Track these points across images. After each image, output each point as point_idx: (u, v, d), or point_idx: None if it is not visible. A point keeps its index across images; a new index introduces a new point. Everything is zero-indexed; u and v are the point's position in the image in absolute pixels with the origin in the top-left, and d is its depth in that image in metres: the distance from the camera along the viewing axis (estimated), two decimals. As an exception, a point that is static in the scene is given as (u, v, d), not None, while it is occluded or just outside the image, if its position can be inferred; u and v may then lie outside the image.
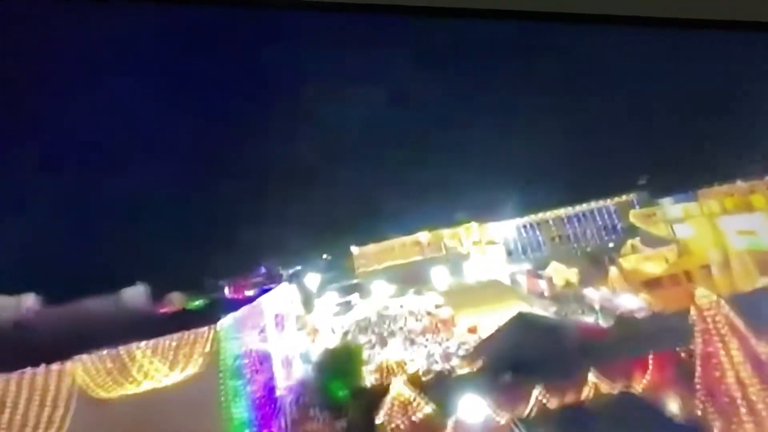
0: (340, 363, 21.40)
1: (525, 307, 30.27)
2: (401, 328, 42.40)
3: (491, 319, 30.27)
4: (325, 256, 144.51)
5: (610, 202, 51.78)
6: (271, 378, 21.65)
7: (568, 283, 42.04)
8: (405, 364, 23.06)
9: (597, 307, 29.38)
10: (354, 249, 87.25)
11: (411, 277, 71.93)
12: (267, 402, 20.48)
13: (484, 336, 30.33)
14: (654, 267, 41.12)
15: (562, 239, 53.13)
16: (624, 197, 51.36)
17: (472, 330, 31.73)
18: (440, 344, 31.76)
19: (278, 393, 22.25)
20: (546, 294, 37.84)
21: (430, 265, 68.28)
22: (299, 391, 24.87)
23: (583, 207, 52.73)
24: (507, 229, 55.41)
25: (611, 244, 51.26)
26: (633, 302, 27.09)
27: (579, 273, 42.86)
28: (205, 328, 18.07)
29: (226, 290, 48.33)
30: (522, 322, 20.57)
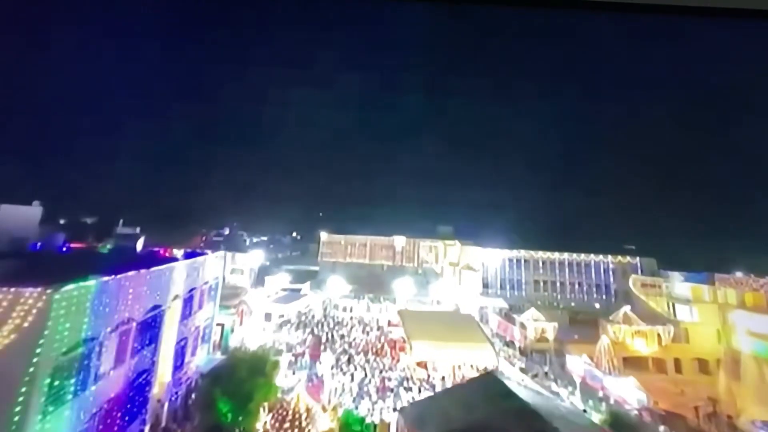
0: (241, 377, 14.38)
1: (490, 355, 23.81)
2: (343, 337, 35.49)
3: (446, 358, 23.78)
4: (294, 234, 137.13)
5: (610, 259, 46.42)
6: (144, 375, 14.42)
7: (542, 338, 35.99)
8: (324, 409, 16.09)
9: (577, 381, 23.14)
10: (323, 234, 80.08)
11: (373, 282, 65.41)
12: (115, 410, 13.23)
13: (435, 377, 23.77)
14: (643, 345, 35.58)
15: (546, 285, 47.47)
16: (627, 259, 46.07)
17: (422, 365, 25.08)
18: (380, 371, 24.97)
19: (150, 394, 15.09)
20: (516, 343, 31.56)
21: (397, 275, 62.00)
22: (182, 394, 17.72)
23: (580, 257, 47.20)
24: (490, 258, 49.35)
25: (597, 305, 45.77)
26: (631, 392, 20.92)
27: (556, 329, 36.91)
28: (34, 290, 10.75)
29: (139, 243, 39.19)
30: (493, 389, 13.87)
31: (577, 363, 23.54)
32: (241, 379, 14.24)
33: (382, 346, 31.42)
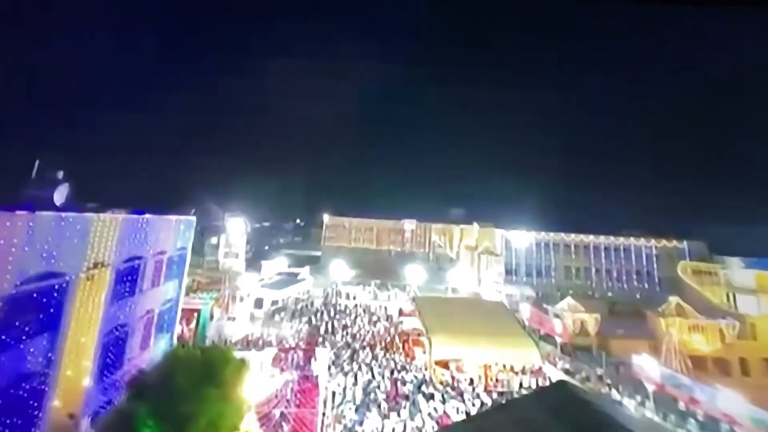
0: (180, 388, 9.05)
1: (531, 353, 18.32)
2: (345, 327, 30.24)
3: (475, 356, 18.34)
4: (298, 220, 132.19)
5: (653, 243, 40.42)
6: (32, 379, 9.21)
7: (582, 331, 30.42)
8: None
9: (649, 388, 17.43)
10: (326, 217, 74.83)
11: (380, 269, 60.16)
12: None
13: (462, 380, 18.37)
14: (702, 342, 29.88)
15: (579, 272, 41.77)
16: (674, 243, 40.04)
17: (442, 364, 19.66)
18: (391, 371, 19.63)
19: (47, 404, 10.02)
20: (557, 339, 25.91)
21: (407, 261, 56.61)
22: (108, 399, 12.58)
23: (618, 241, 41.28)
24: (513, 240, 43.63)
25: (638, 295, 39.92)
26: (739, 407, 15.03)
27: (599, 322, 31.30)
28: None
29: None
30: (569, 401, 8.48)
31: (650, 365, 17.90)
32: (179, 392, 9.01)
33: (392, 340, 26.09)
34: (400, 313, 31.62)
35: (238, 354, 12.02)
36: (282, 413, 15.10)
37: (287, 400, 15.88)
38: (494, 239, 45.97)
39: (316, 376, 17.12)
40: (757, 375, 29.22)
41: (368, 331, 29.16)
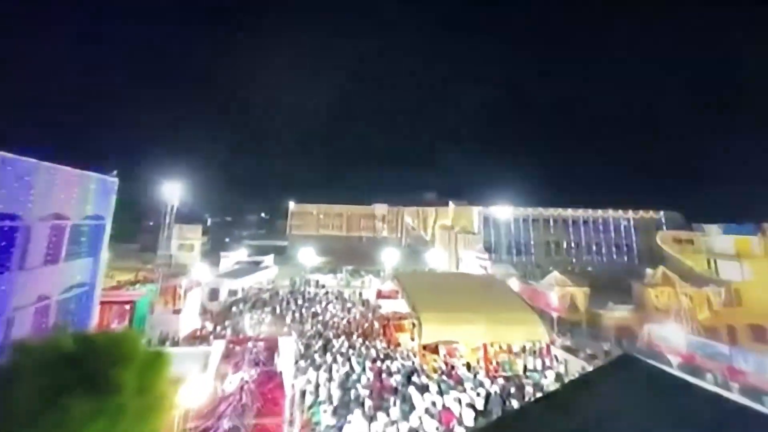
0: (27, 399, 5.35)
1: (536, 328, 15.65)
2: (316, 315, 26.53)
3: (473, 336, 15.39)
4: (263, 214, 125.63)
5: (631, 215, 39.66)
6: None
7: (572, 306, 28.63)
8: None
9: (674, 361, 15.15)
10: (292, 204, 70.01)
11: (352, 255, 56.64)
12: None
13: (458, 365, 15.37)
14: (679, 308, 28.97)
15: (559, 247, 40.40)
16: (650, 213, 39.44)
17: (430, 349, 16.58)
18: (373, 360, 16.31)
19: None
20: (554, 314, 23.66)
21: (380, 247, 53.46)
22: None
23: (596, 213, 40.19)
24: (491, 218, 41.51)
25: (618, 268, 39.06)
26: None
27: (587, 295, 29.69)
28: None
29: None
30: (634, 376, 5.60)
31: (674, 334, 15.67)
32: (21, 412, 5.23)
33: (371, 325, 22.78)
34: (379, 295, 28.34)
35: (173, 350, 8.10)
36: (234, 426, 11.35)
37: (242, 406, 12.13)
38: (471, 217, 43.69)
39: (281, 373, 13.41)
40: (745, 341, 28.63)
41: (342, 318, 25.63)
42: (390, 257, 46.66)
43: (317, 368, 15.36)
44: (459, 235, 44.16)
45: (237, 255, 54.40)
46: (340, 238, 66.04)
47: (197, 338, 21.33)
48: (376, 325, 23.14)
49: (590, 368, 15.63)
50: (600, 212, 40.17)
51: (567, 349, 19.49)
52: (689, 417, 5.11)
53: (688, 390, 5.57)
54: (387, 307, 26.38)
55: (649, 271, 38.49)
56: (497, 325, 15.50)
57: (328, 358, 16.50)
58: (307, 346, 18.57)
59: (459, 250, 43.26)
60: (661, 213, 39.19)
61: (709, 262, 32.81)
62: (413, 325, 21.53)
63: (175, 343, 20.01)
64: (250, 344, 14.72)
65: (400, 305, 25.77)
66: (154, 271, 47.29)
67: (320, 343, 19.55)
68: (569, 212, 40.49)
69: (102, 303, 21.63)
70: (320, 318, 25.72)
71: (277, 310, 28.55)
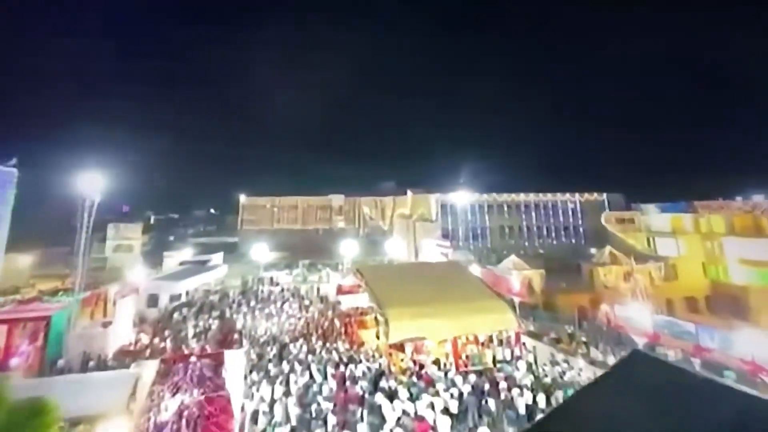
0: None
1: (506, 317, 15.16)
2: (270, 317, 24.48)
3: (442, 331, 14.55)
4: (212, 210, 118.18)
5: (577, 198, 41.45)
6: None
7: (529, 288, 29.11)
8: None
9: (639, 342, 15.09)
10: (243, 198, 65.75)
11: (308, 249, 54.34)
12: None
13: (427, 364, 14.50)
14: (636, 287, 30.70)
15: (512, 231, 41.31)
16: (594, 196, 41.45)
17: (397, 347, 15.56)
18: (336, 365, 14.95)
19: None
20: (516, 298, 23.62)
21: (337, 239, 51.71)
22: None
23: (546, 197, 41.55)
24: (448, 205, 41.41)
25: (566, 250, 40.73)
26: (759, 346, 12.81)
27: (544, 277, 30.42)
28: None
29: None
30: (648, 377, 4.88)
31: (639, 313, 15.69)
32: None
33: (332, 325, 21.31)
34: (339, 290, 26.86)
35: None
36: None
37: (182, 437, 10.28)
38: (429, 205, 43.33)
39: (228, 393, 11.62)
40: (681, 313, 30.89)
41: (299, 318, 23.86)
42: (348, 249, 45.13)
43: (272, 381, 13.69)
44: (418, 224, 43.71)
45: (182, 255, 50.11)
46: (296, 231, 63.29)
47: (130, 355, 18.56)
48: (337, 323, 21.72)
49: (559, 355, 15.51)
50: (549, 196, 41.65)
51: (531, 334, 19.40)
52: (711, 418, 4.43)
53: (708, 388, 4.92)
54: (347, 302, 25.00)
55: (590, 251, 40.87)
56: (467, 315, 14.77)
57: (285, 366, 14.86)
58: (260, 356, 16.72)
59: (418, 238, 42.84)
60: (604, 195, 41.47)
61: (648, 240, 35.07)
62: (377, 320, 20.42)
63: (103, 364, 17.18)
64: (192, 360, 12.71)
65: (360, 300, 24.55)
66: (82, 276, 42.10)
67: (275, 349, 17.79)
68: (521, 197, 41.52)
69: (7, 321, 18.22)
70: (275, 320, 23.75)
71: (227, 314, 26.09)
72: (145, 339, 21.52)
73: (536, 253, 40.61)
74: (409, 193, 47.63)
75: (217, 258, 43.56)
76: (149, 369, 12.27)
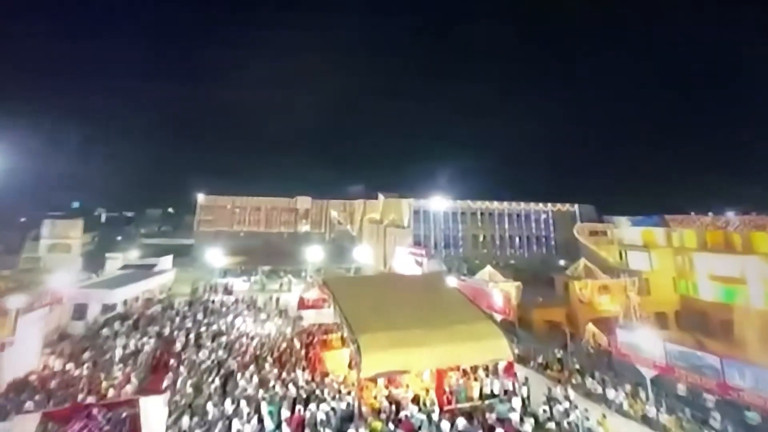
0: None
1: (498, 344, 12.98)
2: (218, 335, 21.04)
3: (425, 361, 12.12)
4: (170, 209, 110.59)
5: (549, 207, 40.85)
6: None
7: (511, 304, 27.49)
8: None
9: (647, 374, 12.97)
10: (201, 197, 60.51)
11: (270, 254, 50.44)
12: None
13: (405, 402, 12.07)
14: (611, 302, 29.96)
15: (486, 240, 40.03)
16: (566, 206, 41.06)
17: (392, 381, 13.07)
18: (292, 402, 12.16)
19: None
20: (497, 315, 21.64)
21: (302, 244, 48.32)
22: None
23: (519, 206, 40.66)
24: (421, 210, 39.52)
25: (537, 261, 39.95)
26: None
27: (521, 291, 28.97)
28: None
29: None
30: None
31: (649, 339, 13.53)
32: None
33: (290, 346, 18.34)
34: (301, 304, 23.85)
35: None
36: None
37: None
38: (401, 210, 41.21)
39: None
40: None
41: (252, 338, 20.67)
42: (313, 254, 42.04)
43: (207, 427, 10.67)
44: (389, 230, 41.42)
45: (129, 256, 44.80)
46: (258, 234, 58.98)
47: (30, 387, 14.67)
48: (297, 344, 18.78)
49: (557, 388, 13.53)
50: (523, 205, 40.83)
51: (517, 359, 17.43)
52: None
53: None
54: (310, 318, 22.12)
55: (560, 262, 40.37)
56: (454, 342, 12.45)
57: (228, 406, 11.84)
58: (198, 388, 13.53)
59: (389, 245, 40.53)
60: (576, 206, 41.26)
61: (620, 254, 34.79)
62: (343, 339, 17.73)
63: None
64: (94, 413, 9.47)
65: (325, 315, 21.73)
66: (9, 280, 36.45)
67: (219, 377, 14.61)
68: (495, 205, 40.39)
69: None
70: (223, 339, 20.39)
71: (167, 330, 22.32)
72: (57, 364, 17.52)
73: (507, 264, 39.50)
74: (380, 196, 45.29)
75: (165, 262, 38.93)
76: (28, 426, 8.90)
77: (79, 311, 25.47)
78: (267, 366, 16.26)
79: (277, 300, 29.76)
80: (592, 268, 31.27)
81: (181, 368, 15.98)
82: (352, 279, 18.72)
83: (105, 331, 22.65)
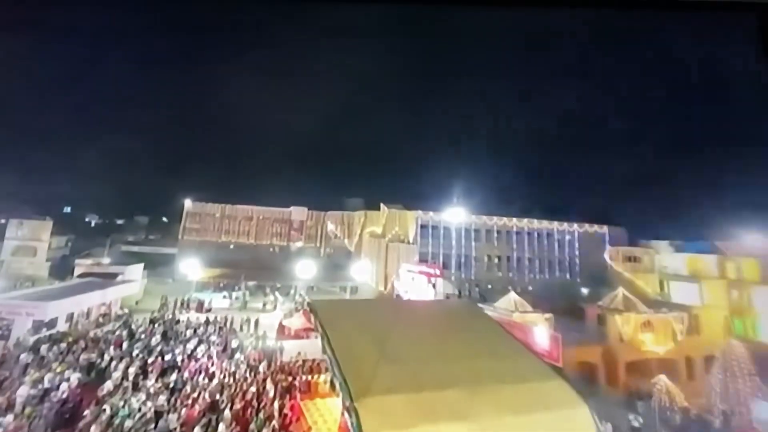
0: None
1: (581, 415, 8.03)
2: (169, 370, 15.91)
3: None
4: (164, 218, 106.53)
5: (576, 228, 36.16)
6: None
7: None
8: None
9: None
10: (188, 203, 55.74)
11: (257, 268, 45.36)
12: None
13: None
14: (657, 341, 24.93)
15: (500, 262, 35.22)
16: (594, 228, 36.38)
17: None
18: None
19: None
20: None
21: (293, 259, 43.36)
22: None
23: (541, 224, 35.97)
24: (429, 225, 34.89)
25: (558, 288, 34.93)
26: None
27: (552, 323, 24.01)
28: None
29: None
30: None
31: None
32: None
33: (262, 390, 13.24)
34: (281, 333, 18.72)
35: None
36: None
37: None
38: (407, 224, 36.50)
39: None
40: (701, 377, 25.17)
41: (213, 375, 15.49)
42: (305, 270, 37.09)
43: None
44: (391, 245, 36.60)
45: (101, 263, 39.92)
46: (246, 246, 53.94)
47: None
48: (271, 389, 13.65)
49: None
50: (545, 224, 36.18)
51: None
52: None
53: None
54: (292, 350, 17.03)
55: (583, 290, 35.39)
56: (514, 414, 7.55)
57: None
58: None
59: (390, 262, 35.61)
60: (605, 228, 36.60)
61: (661, 284, 29.95)
62: (333, 385, 12.73)
63: None
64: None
65: (311, 346, 16.67)
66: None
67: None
68: (513, 222, 35.76)
69: None
70: (174, 377, 15.19)
71: (104, 360, 17.09)
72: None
73: (524, 290, 34.48)
74: (383, 207, 40.68)
75: (132, 271, 33.74)
76: None
77: (2, 331, 20.31)
78: (223, 425, 11.19)
79: (256, 323, 24.54)
80: (632, 299, 26.34)
81: (94, 429, 10.82)
82: (348, 305, 13.22)
83: (23, 358, 17.45)
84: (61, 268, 43.71)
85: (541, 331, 16.45)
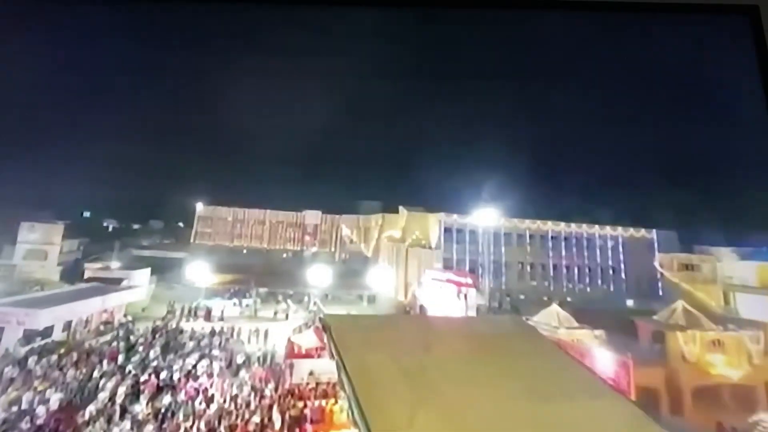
0: None
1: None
2: (166, 389, 13.65)
3: None
4: (180, 223, 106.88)
5: (620, 232, 32.47)
6: None
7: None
8: None
9: None
10: (200, 207, 54.65)
11: (270, 272, 43.41)
12: None
13: None
14: (730, 363, 21.33)
15: (533, 269, 31.97)
16: (642, 232, 32.65)
17: None
18: None
19: None
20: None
21: (306, 265, 41.17)
22: None
23: (580, 228, 32.54)
24: (454, 229, 32.08)
25: (601, 299, 31.36)
26: None
27: (603, 341, 20.90)
28: None
29: None
30: None
31: None
32: None
33: (265, 418, 10.72)
34: (291, 351, 16.20)
35: None
36: None
37: None
38: (428, 227, 33.80)
39: None
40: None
41: (212, 398, 13.06)
42: (319, 277, 34.74)
43: None
44: (411, 250, 33.90)
45: (110, 267, 38.94)
46: (259, 251, 52.23)
47: None
48: (278, 420, 11.12)
49: None
50: (585, 227, 32.69)
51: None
52: None
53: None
54: (302, 370, 14.49)
55: (628, 302, 31.67)
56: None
57: None
58: None
59: (410, 269, 32.87)
60: (653, 232, 32.71)
61: (725, 296, 26.18)
62: (352, 413, 9.97)
63: None
64: None
65: (325, 366, 14.14)
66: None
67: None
68: (549, 225, 32.47)
69: None
70: (167, 399, 12.86)
71: (94, 376, 14.96)
72: None
73: (563, 301, 31.09)
74: (401, 210, 38.06)
75: (139, 276, 32.09)
76: None
77: (-9, 338, 18.55)
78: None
79: (266, 334, 22.16)
80: (694, 313, 22.82)
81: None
82: (369, 323, 10.26)
83: (9, 371, 15.51)
84: (72, 272, 42.92)
85: (602, 354, 13.37)
